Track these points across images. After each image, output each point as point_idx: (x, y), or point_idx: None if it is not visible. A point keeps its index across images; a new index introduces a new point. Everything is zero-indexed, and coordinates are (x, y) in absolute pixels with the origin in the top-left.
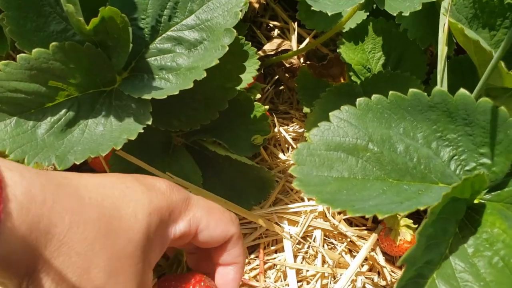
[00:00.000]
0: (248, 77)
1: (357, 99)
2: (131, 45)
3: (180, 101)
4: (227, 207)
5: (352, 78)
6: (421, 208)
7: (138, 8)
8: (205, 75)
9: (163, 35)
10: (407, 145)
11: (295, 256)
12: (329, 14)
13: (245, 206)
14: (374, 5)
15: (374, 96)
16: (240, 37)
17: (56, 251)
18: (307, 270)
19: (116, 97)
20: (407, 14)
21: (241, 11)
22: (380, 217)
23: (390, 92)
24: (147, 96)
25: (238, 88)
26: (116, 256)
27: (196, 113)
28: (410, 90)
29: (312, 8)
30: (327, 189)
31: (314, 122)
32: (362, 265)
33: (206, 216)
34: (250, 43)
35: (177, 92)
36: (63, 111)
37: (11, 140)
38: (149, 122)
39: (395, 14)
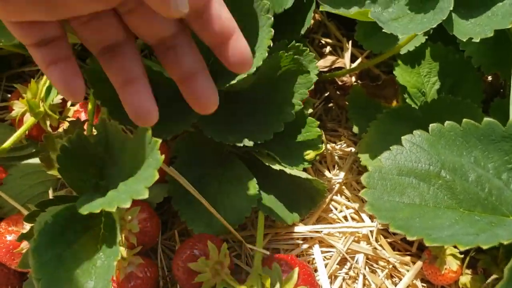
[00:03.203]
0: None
1: (430, 125)
2: None
3: (238, 118)
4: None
5: (406, 100)
6: (505, 243)
7: None
8: None
9: None
10: (479, 175)
11: (335, 277)
12: (400, 36)
13: (296, 216)
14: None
15: (447, 123)
16: (306, 56)
17: None
18: None
19: None
20: (477, 40)
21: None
22: (461, 249)
23: (464, 120)
24: None
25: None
26: None
27: (252, 132)
28: (485, 119)
29: (383, 30)
30: (399, 215)
31: (369, 143)
32: None
33: None
34: (315, 54)
35: None
36: None
37: None
38: None
39: (464, 40)
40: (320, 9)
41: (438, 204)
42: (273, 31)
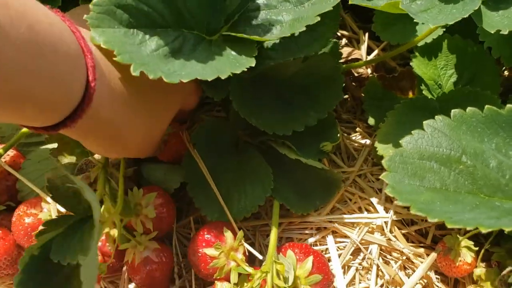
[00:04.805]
0: None
1: (452, 110)
2: None
3: (267, 105)
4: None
5: (423, 92)
6: None
7: None
8: (318, 19)
9: None
10: (500, 161)
11: (348, 267)
12: (431, 26)
13: (311, 206)
14: None
15: (469, 109)
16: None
17: None
18: (360, 282)
19: (216, 45)
20: (506, 33)
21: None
22: (483, 231)
23: (486, 106)
24: (257, 37)
25: None
26: None
27: (274, 123)
28: (508, 105)
29: (414, 20)
30: (420, 198)
31: (386, 133)
32: (416, 283)
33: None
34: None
35: (288, 34)
36: (168, 39)
37: (119, 44)
38: (253, 64)
39: (492, 32)
40: (350, 2)
41: (459, 189)
42: (338, 25)
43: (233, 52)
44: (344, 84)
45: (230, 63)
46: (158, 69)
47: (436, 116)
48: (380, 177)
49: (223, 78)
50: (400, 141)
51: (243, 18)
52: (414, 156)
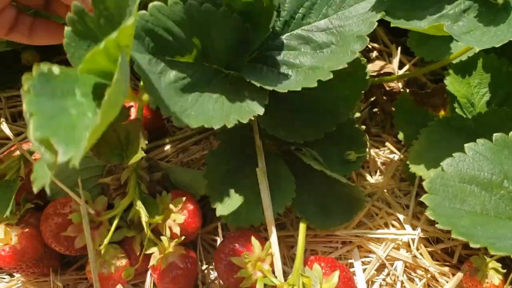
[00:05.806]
0: None
1: (494, 134)
2: (270, 30)
3: (293, 114)
4: None
5: (456, 110)
6: None
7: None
8: (331, 76)
9: (293, 32)
10: None
11: (372, 283)
12: (477, 49)
13: (331, 224)
14: None
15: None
16: (362, 59)
17: None
18: None
19: (232, 81)
20: None
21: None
22: None
23: None
24: (268, 87)
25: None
26: None
27: (304, 130)
28: None
29: (459, 43)
30: (461, 222)
31: (419, 150)
32: None
33: None
34: (366, 61)
35: (299, 89)
36: (188, 72)
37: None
38: (261, 113)
39: None
40: (391, 25)
41: (499, 214)
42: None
43: (246, 93)
44: (374, 97)
45: (240, 108)
46: (171, 105)
47: (477, 140)
48: (421, 199)
49: (229, 126)
50: (441, 164)
51: (262, 55)
52: (455, 179)
